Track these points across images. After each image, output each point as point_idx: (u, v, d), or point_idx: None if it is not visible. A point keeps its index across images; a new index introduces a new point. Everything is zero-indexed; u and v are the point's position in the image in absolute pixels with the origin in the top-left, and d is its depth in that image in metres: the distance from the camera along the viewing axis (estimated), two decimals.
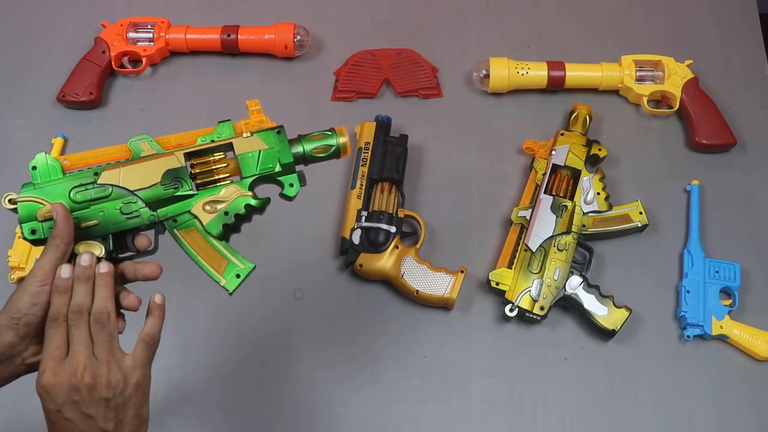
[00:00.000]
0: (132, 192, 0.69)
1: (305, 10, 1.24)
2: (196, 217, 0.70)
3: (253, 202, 0.71)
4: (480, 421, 0.94)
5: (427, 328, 1.00)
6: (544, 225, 1.01)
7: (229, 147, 0.72)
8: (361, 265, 0.99)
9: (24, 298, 0.64)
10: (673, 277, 1.03)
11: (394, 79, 1.17)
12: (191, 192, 0.70)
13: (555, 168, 1.05)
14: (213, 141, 0.71)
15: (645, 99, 1.14)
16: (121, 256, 0.70)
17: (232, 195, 0.70)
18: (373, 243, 1.00)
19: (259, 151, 0.71)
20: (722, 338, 0.98)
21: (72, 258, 0.66)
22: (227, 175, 0.72)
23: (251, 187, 0.71)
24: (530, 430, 0.94)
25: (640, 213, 1.03)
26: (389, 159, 1.05)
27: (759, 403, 0.96)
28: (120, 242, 0.71)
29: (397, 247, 1.00)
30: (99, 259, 0.66)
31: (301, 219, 1.07)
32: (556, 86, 1.15)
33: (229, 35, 1.16)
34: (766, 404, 0.96)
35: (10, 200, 0.68)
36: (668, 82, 1.14)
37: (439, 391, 0.96)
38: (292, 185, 0.72)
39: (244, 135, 0.72)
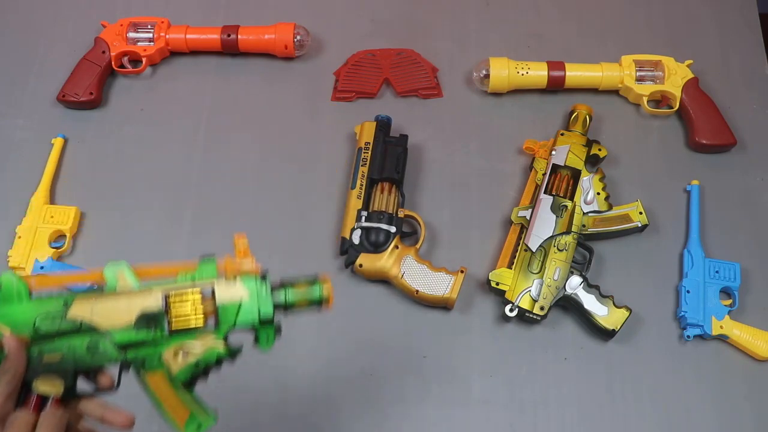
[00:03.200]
0: (103, 331, 0.65)
1: (305, 10, 1.24)
2: (165, 363, 0.66)
3: (225, 353, 0.67)
4: (480, 421, 0.94)
5: (427, 328, 1.00)
6: (544, 225, 1.01)
7: (209, 287, 0.68)
8: (361, 265, 0.99)
9: None
10: (673, 277, 1.03)
11: (394, 79, 1.17)
12: (164, 336, 0.66)
13: (555, 168, 1.05)
14: (194, 280, 0.67)
15: (645, 99, 1.14)
16: (79, 394, 0.66)
17: (205, 345, 0.66)
18: (373, 243, 1.00)
19: (240, 303, 0.67)
20: (722, 338, 0.98)
21: (27, 393, 0.63)
22: (203, 317, 0.67)
23: (226, 336, 0.67)
24: (530, 430, 0.94)
25: (640, 213, 1.03)
26: (389, 159, 1.05)
27: (759, 403, 0.96)
28: (79, 377, 0.66)
29: (397, 247, 1.00)
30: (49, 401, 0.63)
31: (301, 219, 1.07)
32: (556, 86, 1.15)
33: (229, 35, 1.16)
34: (766, 404, 0.96)
35: None
36: (668, 82, 1.14)
37: (439, 391, 0.96)
38: (267, 338, 0.68)
39: (227, 279, 0.67)
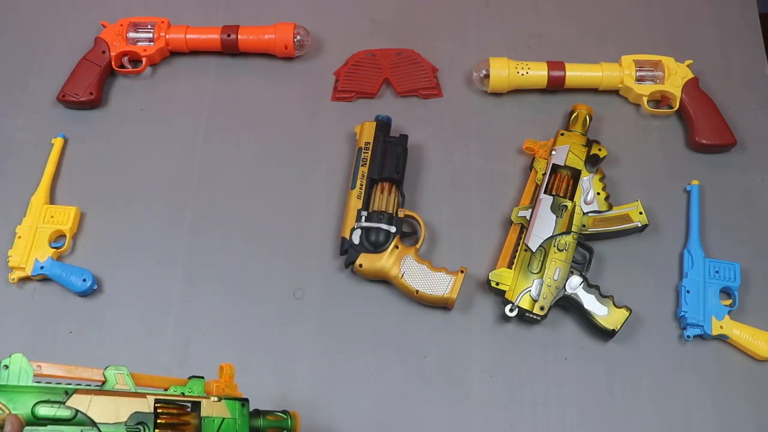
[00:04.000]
0: (95, 423, 0.68)
1: (305, 10, 1.24)
2: None
3: None
4: (480, 421, 0.94)
5: (427, 328, 1.00)
6: (544, 225, 1.01)
7: (196, 404, 0.73)
8: (361, 265, 0.99)
9: None
10: (673, 277, 1.03)
11: (394, 79, 1.17)
12: None
13: (555, 168, 1.05)
14: (183, 394, 0.73)
15: (645, 99, 1.14)
16: None
17: None
18: (373, 243, 1.00)
19: (223, 419, 0.74)
20: (722, 338, 0.98)
21: None
22: (187, 428, 0.72)
23: None
24: (530, 430, 0.94)
25: (640, 213, 1.03)
26: (389, 159, 1.05)
27: (759, 403, 0.96)
28: None
29: (397, 247, 1.00)
30: None
31: (301, 219, 1.07)
32: (556, 86, 1.15)
33: (229, 35, 1.16)
34: (766, 404, 0.96)
35: None
36: (668, 82, 1.14)
37: (439, 391, 0.96)
38: None
39: (213, 398, 0.74)
